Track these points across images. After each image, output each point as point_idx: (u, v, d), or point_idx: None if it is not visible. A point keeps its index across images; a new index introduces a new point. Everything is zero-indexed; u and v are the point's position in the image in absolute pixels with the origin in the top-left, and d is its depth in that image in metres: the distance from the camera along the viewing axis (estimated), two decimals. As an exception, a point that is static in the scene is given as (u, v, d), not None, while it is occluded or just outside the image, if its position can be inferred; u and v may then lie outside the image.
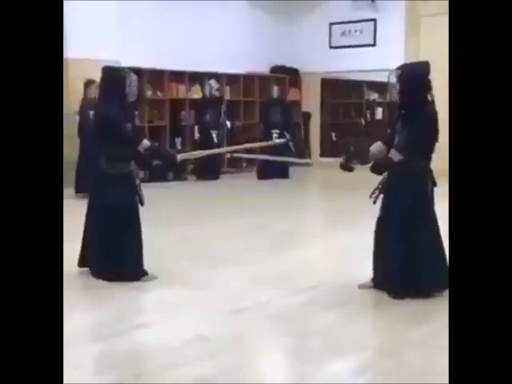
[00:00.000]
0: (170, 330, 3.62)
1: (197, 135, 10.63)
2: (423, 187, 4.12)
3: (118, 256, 4.45)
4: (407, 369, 3.16)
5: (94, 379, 2.99)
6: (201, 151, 6.58)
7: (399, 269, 4.09)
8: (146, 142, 4.55)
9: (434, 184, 4.15)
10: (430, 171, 4.16)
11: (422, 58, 4.48)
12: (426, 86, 4.07)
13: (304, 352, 3.39)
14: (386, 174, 4.22)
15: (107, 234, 4.45)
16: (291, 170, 10.73)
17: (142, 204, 4.54)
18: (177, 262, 5.03)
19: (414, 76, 4.09)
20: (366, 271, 4.32)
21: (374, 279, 4.31)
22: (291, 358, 3.35)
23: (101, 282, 4.46)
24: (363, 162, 4.27)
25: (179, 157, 4.92)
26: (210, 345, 3.40)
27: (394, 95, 4.14)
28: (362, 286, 4.33)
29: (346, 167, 4.34)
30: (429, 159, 4.16)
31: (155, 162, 4.59)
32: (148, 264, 4.54)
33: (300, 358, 3.29)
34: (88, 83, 8.43)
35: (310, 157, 12.55)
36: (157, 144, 5.16)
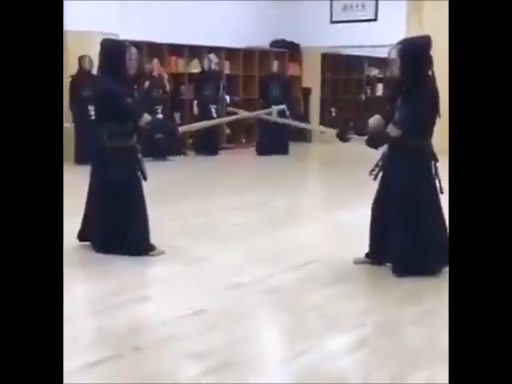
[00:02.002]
0: (168, 304, 3.64)
1: (195, 109, 10.57)
2: (424, 164, 4.08)
3: (121, 231, 4.44)
4: (406, 345, 3.18)
5: (93, 352, 3.01)
6: (202, 122, 6.54)
7: (403, 246, 4.08)
8: (147, 117, 4.52)
9: (436, 160, 4.12)
10: (431, 147, 4.13)
11: (424, 34, 4.43)
12: (428, 61, 4.03)
13: (301, 327, 3.40)
14: (385, 150, 4.20)
15: (110, 209, 4.43)
16: (291, 146, 10.70)
17: (145, 179, 4.52)
18: (175, 237, 5.04)
19: (416, 51, 4.03)
20: (365, 248, 4.32)
21: (369, 254, 4.32)
22: (288, 333, 3.36)
23: (101, 256, 4.47)
24: (360, 133, 4.24)
25: (180, 129, 4.90)
26: (208, 319, 3.42)
27: (394, 71, 4.09)
28: (357, 261, 4.34)
29: (342, 137, 4.31)
30: (430, 135, 4.13)
31: (157, 136, 4.58)
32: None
33: (297, 333, 3.31)
34: (80, 57, 8.61)
35: (309, 136, 12.51)
36: (158, 117, 5.14)
